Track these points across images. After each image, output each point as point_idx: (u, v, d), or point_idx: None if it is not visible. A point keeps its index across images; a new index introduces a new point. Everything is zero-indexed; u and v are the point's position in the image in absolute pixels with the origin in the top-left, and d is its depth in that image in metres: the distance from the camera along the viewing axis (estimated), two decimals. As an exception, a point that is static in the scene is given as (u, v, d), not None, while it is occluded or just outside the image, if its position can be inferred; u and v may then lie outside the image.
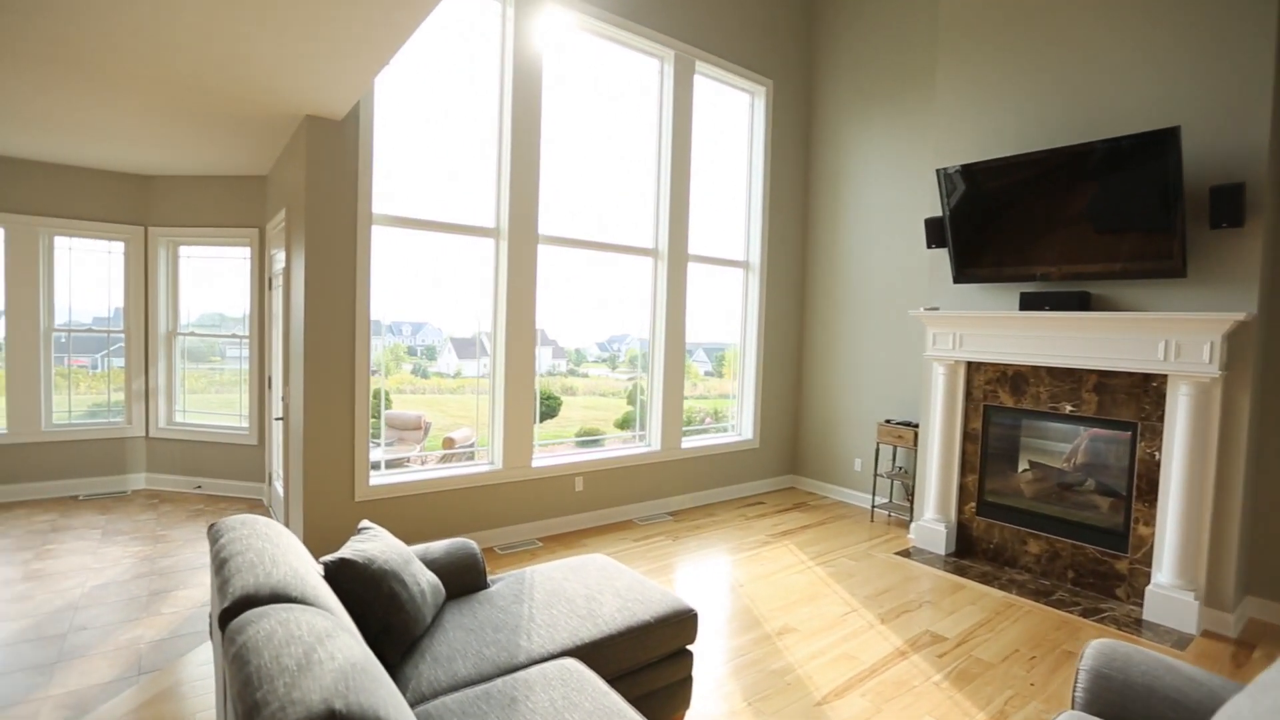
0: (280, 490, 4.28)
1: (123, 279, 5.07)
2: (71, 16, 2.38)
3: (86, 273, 5.03)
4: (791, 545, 4.47)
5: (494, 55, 4.14)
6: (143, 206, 5.05)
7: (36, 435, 4.81)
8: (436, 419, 7.00)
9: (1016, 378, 4.07)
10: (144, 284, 5.07)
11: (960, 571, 4.04)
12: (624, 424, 11.42)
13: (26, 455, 4.79)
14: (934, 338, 4.37)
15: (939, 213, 4.34)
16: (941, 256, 4.41)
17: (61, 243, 4.91)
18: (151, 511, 4.60)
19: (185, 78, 2.94)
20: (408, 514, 3.83)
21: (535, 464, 4.36)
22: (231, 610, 1.43)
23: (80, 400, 5.16)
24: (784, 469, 6.10)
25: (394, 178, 3.83)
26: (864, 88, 5.48)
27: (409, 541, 3.84)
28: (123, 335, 5.09)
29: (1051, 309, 3.76)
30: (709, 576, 3.85)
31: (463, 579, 2.39)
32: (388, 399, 4.20)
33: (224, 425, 5.13)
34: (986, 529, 4.24)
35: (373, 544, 2.00)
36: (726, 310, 5.76)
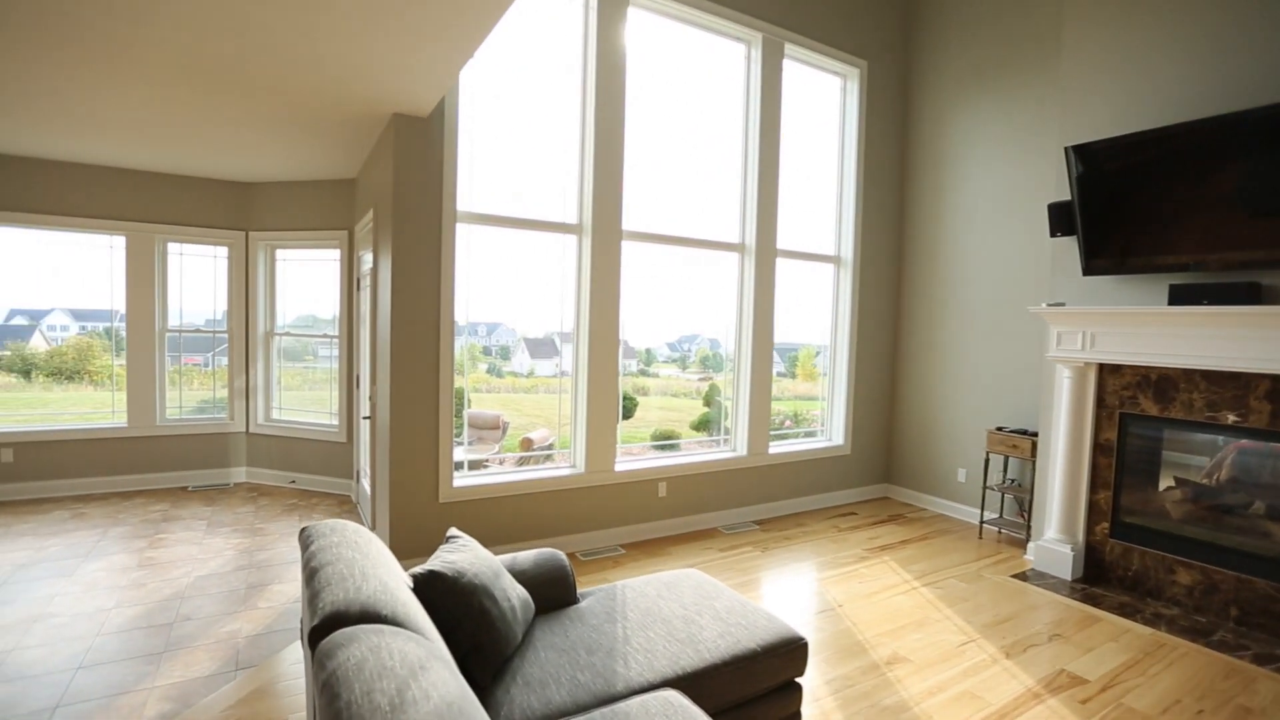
0: (367, 488, 4.34)
1: (226, 282, 5.33)
2: (175, 22, 2.42)
3: (195, 277, 5.32)
4: (892, 562, 4.11)
5: (576, 45, 4.03)
6: (244, 212, 5.28)
7: (152, 429, 5.12)
8: (512, 418, 7.01)
9: (1162, 382, 3.56)
10: (245, 286, 5.31)
11: (1092, 601, 3.57)
12: (701, 426, 11.16)
13: (144, 447, 5.11)
14: (1058, 337, 3.90)
15: (1063, 196, 3.87)
16: (1067, 246, 3.93)
17: (173, 249, 5.21)
18: (251, 504, 4.79)
19: (275, 80, 2.97)
20: (489, 516, 3.77)
21: (618, 468, 4.22)
22: (321, 629, 1.33)
23: (191, 396, 5.46)
24: (877, 478, 5.70)
25: (476, 175, 3.78)
26: (973, 60, 5.01)
27: (491, 545, 3.78)
28: (226, 335, 5.34)
29: (1212, 303, 3.25)
30: (803, 594, 3.57)
31: (552, 592, 2.25)
32: (467, 398, 4.17)
33: (316, 423, 5.29)
34: (1123, 553, 3.74)
35: (462, 555, 1.89)
36: (810, 308, 5.42)
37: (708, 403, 11.43)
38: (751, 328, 4.77)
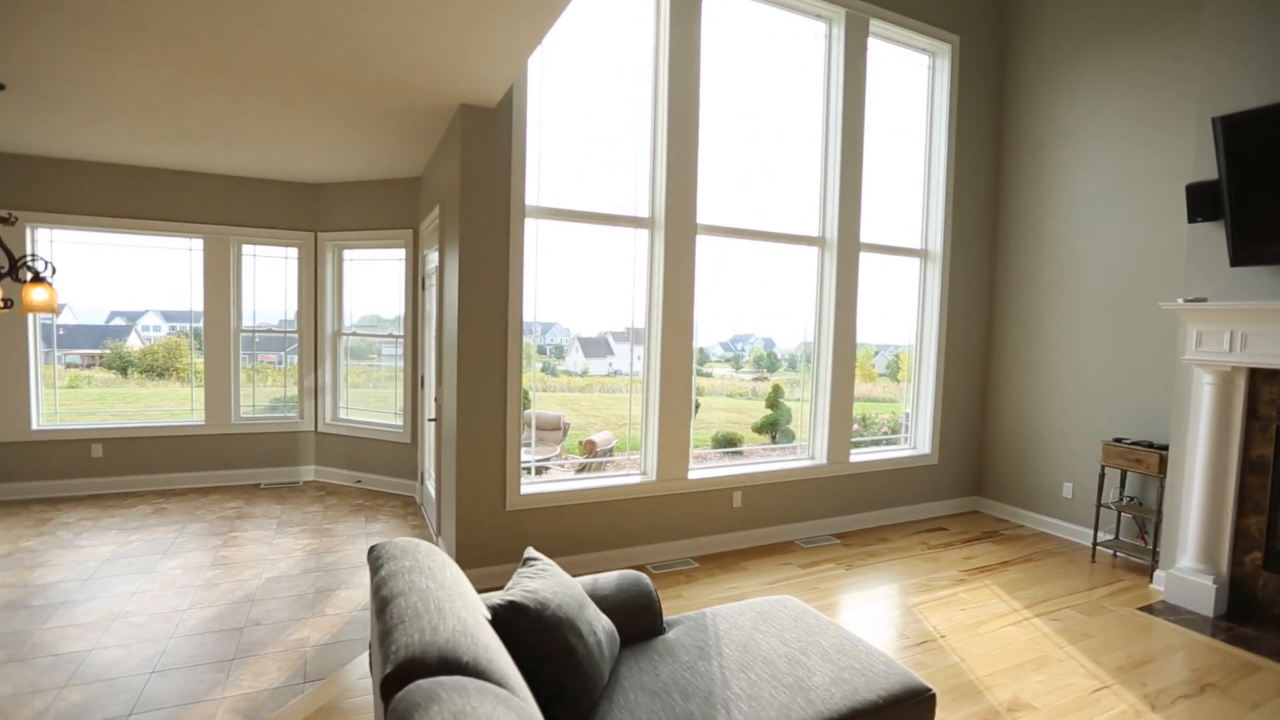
0: (432, 491, 4.25)
1: (296, 282, 5.37)
2: (238, 13, 2.32)
3: (267, 278, 5.39)
4: (994, 586, 3.71)
5: (648, 29, 3.80)
6: (313, 213, 5.32)
7: (227, 427, 5.21)
8: (570, 419, 6.83)
9: (1335, 390, 3.04)
10: (313, 286, 5.34)
11: (1246, 644, 3.08)
12: (763, 429, 10.77)
13: (219, 445, 5.21)
14: (1197, 337, 3.42)
15: (1205, 176, 3.38)
16: (1208, 233, 3.43)
17: (247, 250, 5.29)
18: (319, 504, 4.79)
19: (345, 70, 2.87)
20: (557, 525, 3.60)
21: (691, 476, 3.97)
22: (395, 678, 1.14)
23: (264, 394, 5.55)
24: (966, 490, 5.24)
25: (543, 168, 3.60)
26: (1084, 21, 4.49)
27: (559, 556, 3.60)
28: (296, 335, 5.39)
29: None
30: (898, 621, 3.23)
31: (637, 621, 2.02)
32: (528, 398, 4.02)
33: (381, 423, 5.27)
34: (1281, 588, 3.23)
35: (543, 582, 1.69)
36: (888, 305, 5.01)
37: (771, 405, 11.04)
38: (832, 327, 4.43)
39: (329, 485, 5.30)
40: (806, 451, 4.60)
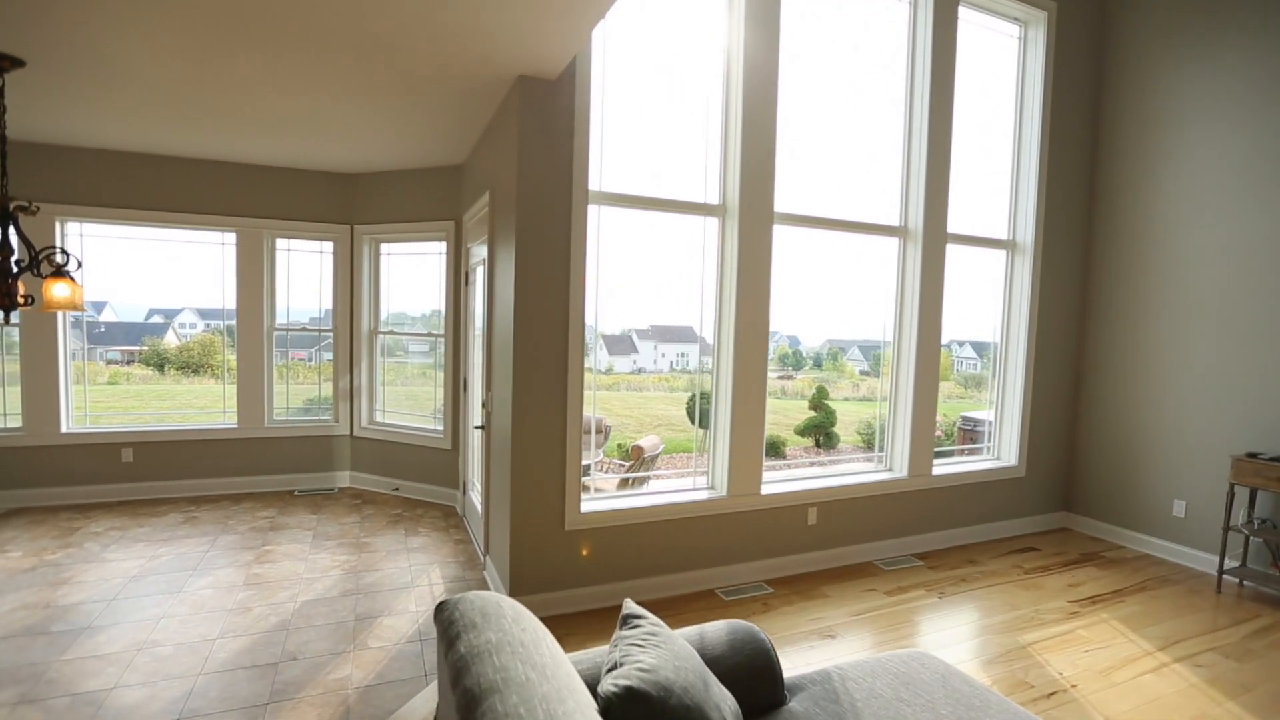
0: (476, 503, 3.92)
1: (331, 277, 5.10)
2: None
3: (302, 273, 5.12)
4: (1114, 622, 3.25)
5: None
6: (349, 205, 5.03)
7: (260, 430, 4.96)
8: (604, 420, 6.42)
9: None
10: (349, 282, 5.06)
11: None
12: (806, 431, 10.23)
13: (252, 449, 4.96)
14: (1369, 338, 2.91)
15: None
16: (1384, 215, 2.93)
17: (281, 244, 5.02)
18: (355, 514, 4.50)
19: (391, 38, 2.53)
20: (619, 546, 3.24)
21: (765, 490, 3.58)
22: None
23: (296, 394, 5.30)
24: (1053, 505, 4.76)
25: (605, 150, 3.23)
26: (1204, -7, 3.99)
27: (622, 580, 3.24)
28: (331, 334, 5.12)
29: None
30: (1017, 664, 2.80)
31: (755, 689, 1.65)
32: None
33: (420, 428, 4.97)
34: None
35: (658, 654, 1.32)
36: (965, 300, 4.53)
37: (814, 406, 10.56)
38: (916, 325, 3.99)
39: (365, 493, 5.02)
40: (883, 462, 4.18)
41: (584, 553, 3.14)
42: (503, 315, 3.15)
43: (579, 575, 3.15)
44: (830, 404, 10.14)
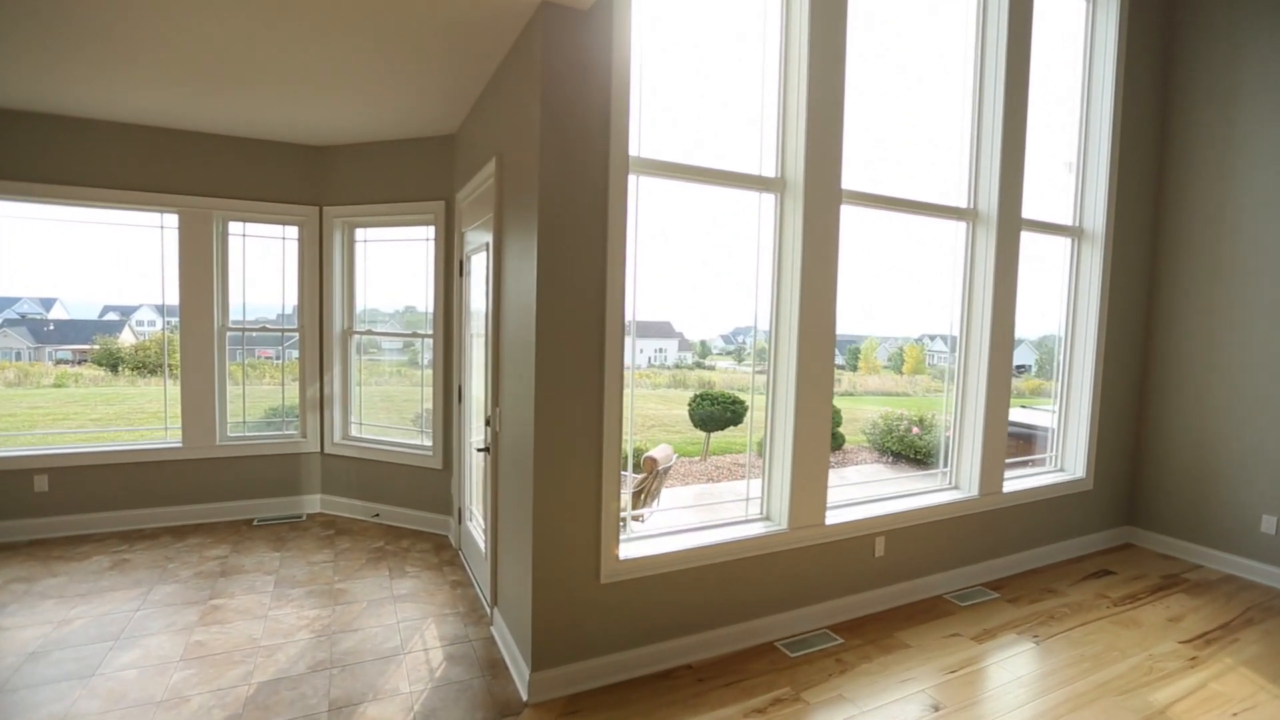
0: (479, 540, 3.26)
1: (296, 268, 4.35)
2: None
3: (261, 263, 4.36)
4: (1243, 669, 2.76)
5: (778, -80, 2.81)
6: (317, 183, 4.29)
7: (211, 449, 4.19)
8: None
9: None
10: (319, 273, 4.32)
11: None
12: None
13: (202, 472, 4.19)
14: None
15: None
16: None
17: (234, 229, 4.25)
18: (328, 549, 3.78)
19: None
20: (663, 597, 2.62)
21: (830, 521, 3.00)
22: None
23: (259, 400, 4.54)
24: (1118, 519, 4.31)
25: (643, 108, 2.60)
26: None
27: (666, 639, 2.63)
28: (297, 334, 4.37)
29: None
30: (1170, 741, 2.28)
31: None
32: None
33: (404, 443, 4.27)
34: None
35: None
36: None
37: (816, 407, 10.04)
38: (988, 319, 3.46)
39: (339, 520, 4.29)
40: (948, 479, 3.64)
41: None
42: (518, 313, 2.49)
43: (617, 637, 2.52)
44: (836, 404, 9.67)
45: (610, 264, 2.38)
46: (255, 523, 4.17)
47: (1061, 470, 4.11)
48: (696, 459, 9.40)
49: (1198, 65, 3.98)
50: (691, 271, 2.56)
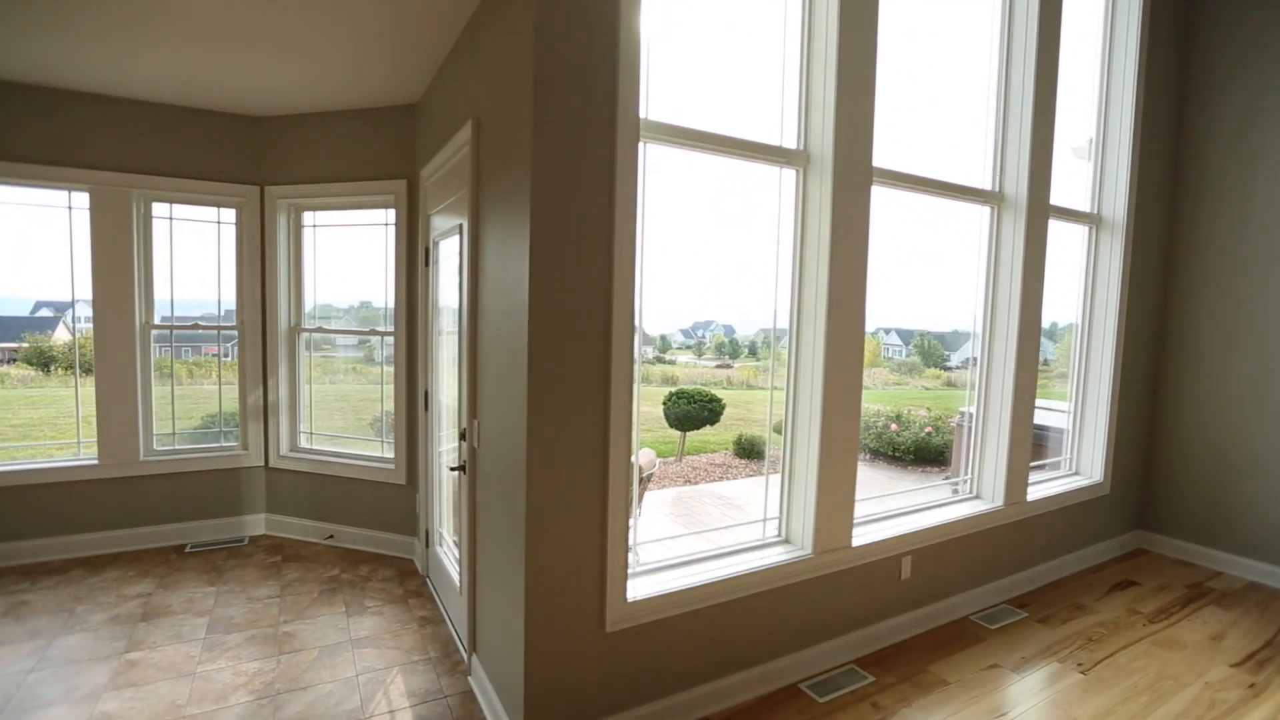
0: (452, 572, 2.81)
1: (235, 256, 3.79)
2: None
3: (191, 251, 3.79)
4: (1306, 697, 2.52)
5: None
6: (257, 159, 3.74)
7: (134, 466, 3.62)
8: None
9: None
10: (260, 262, 3.77)
11: None
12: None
13: (123, 493, 3.61)
14: None
15: None
16: None
17: (159, 211, 3.68)
18: (273, 579, 3.27)
19: None
20: (675, 643, 2.23)
21: (856, 542, 2.65)
22: None
23: (195, 410, 3.98)
24: (1131, 523, 4.10)
25: (649, 62, 2.18)
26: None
27: (679, 691, 2.24)
28: (236, 333, 3.82)
29: None
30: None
31: None
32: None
33: (362, 455, 3.77)
34: None
35: None
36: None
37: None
38: (1016, 311, 3.16)
39: (287, 544, 3.77)
40: (969, 487, 3.34)
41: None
42: (503, 308, 2.06)
43: (623, 694, 2.12)
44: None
45: (618, 249, 1.96)
46: (188, 549, 3.62)
47: (1077, 474, 3.87)
48: (672, 459, 9.06)
49: (1219, 41, 3.76)
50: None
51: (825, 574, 2.57)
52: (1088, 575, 3.69)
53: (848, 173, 2.45)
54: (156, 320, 3.71)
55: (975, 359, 3.32)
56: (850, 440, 2.60)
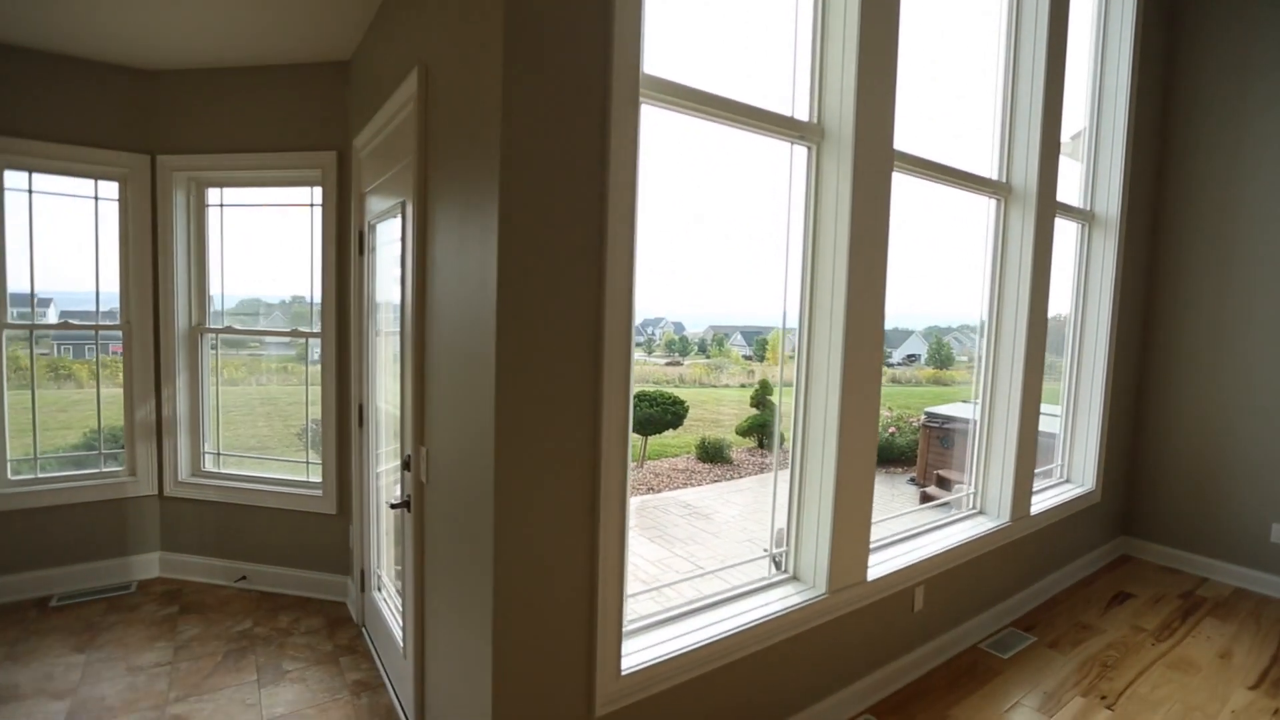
0: (394, 627, 2.30)
1: (118, 240, 3.12)
2: None
3: (60, 233, 3.10)
4: (1334, 723, 2.37)
5: None
6: (146, 122, 3.08)
7: (-16, 498, 2.91)
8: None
9: None
10: (151, 248, 3.12)
11: None
12: (749, 432, 9.19)
13: (-32, 532, 2.90)
14: None
15: None
16: None
17: (13, 181, 2.97)
18: (165, 639, 2.66)
19: None
20: (677, 713, 1.82)
21: (872, 575, 2.31)
22: None
23: (61, 426, 3.27)
24: (1116, 529, 3.99)
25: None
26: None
27: (685, 771, 1.83)
28: (121, 333, 3.15)
29: None
30: None
31: None
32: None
33: (282, 480, 3.18)
34: None
35: None
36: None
37: (757, 404, 9.61)
38: (1024, 309, 2.91)
39: (187, 589, 3.14)
40: (972, 502, 3.09)
41: (628, 743, 1.69)
42: (460, 306, 1.59)
43: (619, 786, 1.70)
44: (774, 400, 9.24)
45: (612, 233, 1.53)
46: (54, 603, 2.94)
47: (1068, 481, 3.70)
48: (633, 465, 8.69)
49: (1207, 33, 3.66)
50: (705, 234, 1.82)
51: (839, 616, 2.22)
52: (1082, 589, 3.52)
53: (868, 155, 2.10)
54: (11, 318, 3.00)
55: (979, 359, 3.07)
56: (868, 458, 2.26)
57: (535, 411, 1.46)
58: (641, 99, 1.64)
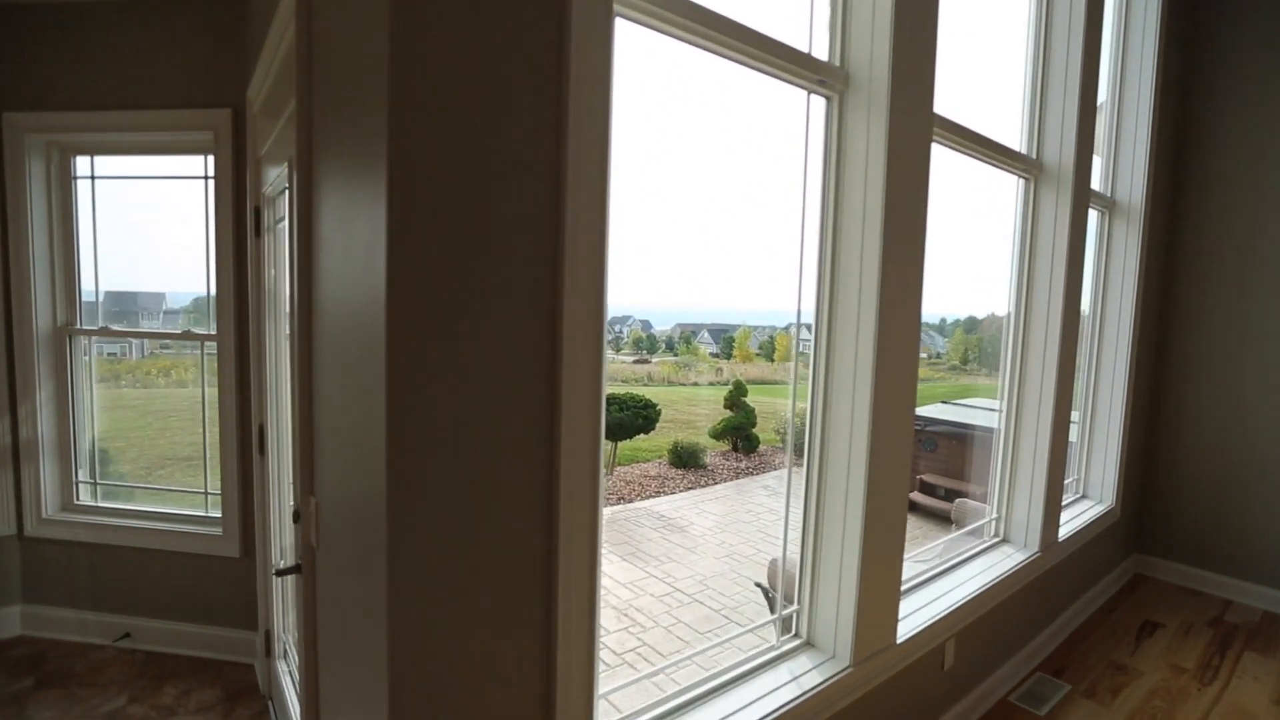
0: (294, 708, 1.78)
1: (-44, 221, 2.50)
2: None
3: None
4: None
5: None
6: (-7, 72, 2.46)
7: None
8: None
9: None
10: (1, 231, 2.50)
11: None
12: (724, 434, 8.76)
13: None
14: None
15: None
16: None
17: None
18: (9, 726, 2.08)
19: None
20: None
21: (902, 636, 1.87)
22: None
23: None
24: (1130, 547, 3.67)
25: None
26: None
27: None
28: (-36, 335, 2.52)
29: None
30: None
31: None
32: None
33: (177, 515, 2.60)
34: None
35: None
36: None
37: (731, 405, 9.19)
38: (1060, 309, 2.52)
39: (52, 651, 2.54)
40: (994, 529, 2.69)
41: None
42: (344, 298, 1.07)
43: None
44: (748, 402, 8.85)
45: (572, 193, 1.04)
46: None
47: (1086, 497, 3.36)
48: (603, 472, 8.22)
49: (1235, 8, 3.34)
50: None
51: (867, 691, 1.77)
52: (1105, 618, 3.17)
53: (904, 113, 1.64)
54: None
55: (1003, 361, 2.67)
56: (900, 488, 1.81)
57: (449, 449, 0.96)
58: (616, 11, 1.15)
